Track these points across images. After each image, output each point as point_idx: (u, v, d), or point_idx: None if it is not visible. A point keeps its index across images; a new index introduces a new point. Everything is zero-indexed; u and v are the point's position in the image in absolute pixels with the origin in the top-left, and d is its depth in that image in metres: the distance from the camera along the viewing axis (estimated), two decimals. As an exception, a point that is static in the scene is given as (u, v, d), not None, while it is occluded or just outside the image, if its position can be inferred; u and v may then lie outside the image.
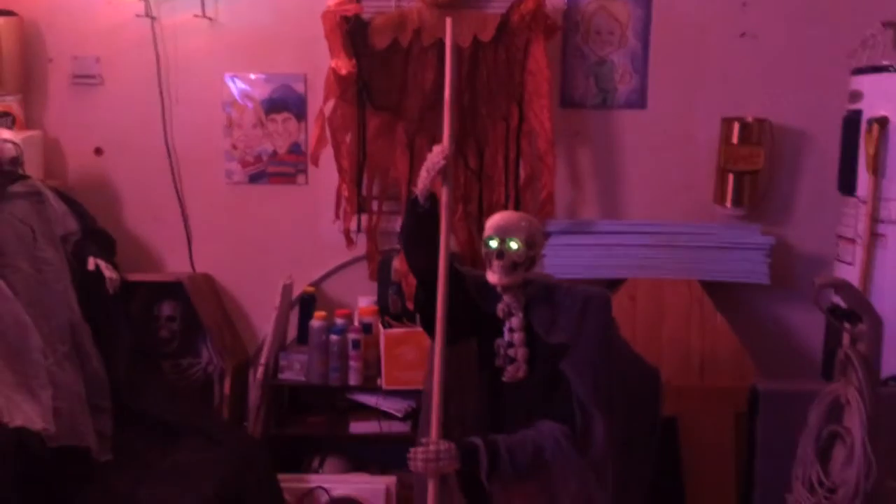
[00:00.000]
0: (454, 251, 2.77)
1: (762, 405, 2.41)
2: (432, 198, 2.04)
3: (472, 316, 2.15)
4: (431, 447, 1.92)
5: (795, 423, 2.14)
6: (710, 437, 2.78)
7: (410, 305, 3.02)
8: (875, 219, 2.46)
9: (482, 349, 2.20)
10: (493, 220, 2.10)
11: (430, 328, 2.14)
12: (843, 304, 2.10)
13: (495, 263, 2.04)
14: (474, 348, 2.24)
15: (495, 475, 1.92)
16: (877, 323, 1.91)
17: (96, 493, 2.40)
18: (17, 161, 2.74)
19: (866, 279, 2.44)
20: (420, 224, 2.06)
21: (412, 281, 3.02)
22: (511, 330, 2.12)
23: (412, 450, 1.94)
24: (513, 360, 2.12)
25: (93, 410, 2.62)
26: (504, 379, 2.13)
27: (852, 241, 2.55)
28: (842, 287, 1.96)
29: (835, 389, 1.98)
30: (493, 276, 2.06)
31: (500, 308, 2.12)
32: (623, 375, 2.17)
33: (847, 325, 1.94)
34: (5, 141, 2.72)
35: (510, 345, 2.12)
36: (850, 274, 2.50)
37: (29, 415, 2.34)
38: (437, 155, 1.99)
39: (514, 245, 2.03)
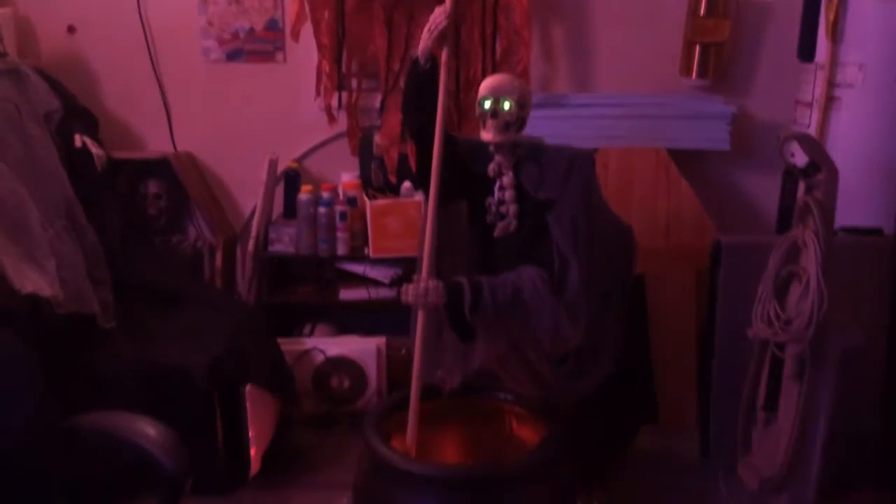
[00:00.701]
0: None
1: (724, 257, 2.62)
2: (432, 59, 2.14)
3: (463, 178, 2.29)
4: (421, 284, 2.10)
5: (754, 273, 2.36)
6: (673, 293, 3.01)
7: (393, 178, 3.15)
8: (831, 83, 2.63)
9: (472, 208, 2.36)
10: (488, 82, 2.21)
11: (425, 187, 2.28)
12: (798, 165, 2.29)
13: (489, 122, 2.17)
14: (464, 209, 2.40)
15: (478, 311, 2.10)
16: (833, 172, 2.11)
17: (107, 357, 2.52)
18: (-4, 37, 2.71)
19: (822, 138, 2.63)
20: (419, 84, 2.17)
21: (394, 155, 3.15)
22: (502, 188, 2.27)
23: (404, 285, 2.13)
24: (503, 217, 2.28)
25: (92, 282, 2.72)
26: (495, 234, 2.30)
27: (809, 105, 2.73)
28: (803, 138, 2.15)
29: (793, 235, 2.20)
30: (487, 135, 2.19)
31: (492, 168, 2.26)
32: (602, 231, 2.37)
33: (806, 176, 2.14)
34: (-18, 16, 2.68)
35: (501, 202, 2.28)
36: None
37: (38, 282, 2.43)
38: (438, 15, 2.08)
39: (506, 105, 2.15)
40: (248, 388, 2.53)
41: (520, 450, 2.26)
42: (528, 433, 2.31)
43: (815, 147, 2.13)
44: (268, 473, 2.66)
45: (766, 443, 2.34)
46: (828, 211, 2.12)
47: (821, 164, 2.10)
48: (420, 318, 2.12)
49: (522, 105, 2.20)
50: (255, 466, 2.60)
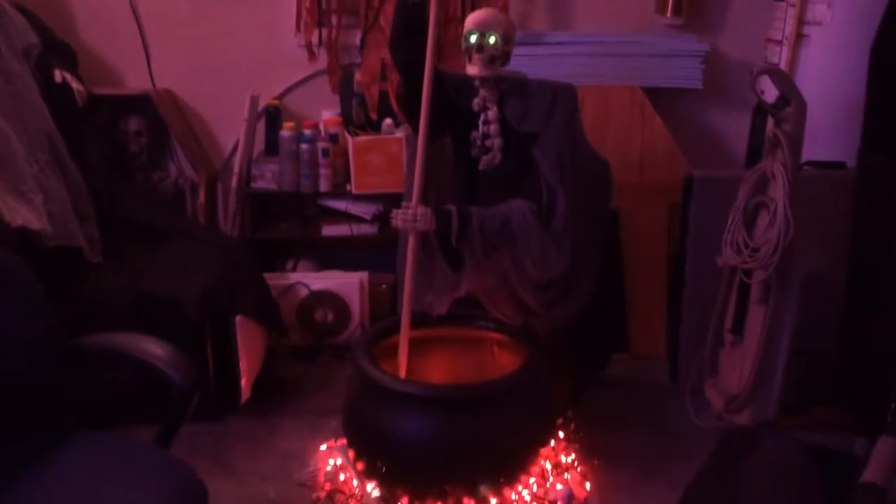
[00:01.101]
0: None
1: (696, 190, 2.74)
2: (420, -4, 2.18)
3: (448, 112, 2.35)
4: (410, 210, 2.17)
5: (723, 205, 2.48)
6: (646, 227, 3.13)
7: (374, 115, 3.19)
8: (801, 21, 2.72)
9: (457, 143, 2.43)
10: (473, 17, 2.26)
11: (415, 120, 2.34)
12: (768, 101, 2.39)
13: (475, 57, 2.23)
14: (449, 143, 2.46)
15: (465, 239, 2.19)
16: (802, 105, 2.21)
17: (97, 289, 2.57)
18: (-30, -32, 2.67)
19: (790, 75, 2.73)
20: (408, 19, 2.21)
21: (374, 92, 3.19)
22: (486, 122, 2.34)
23: (394, 210, 2.20)
24: (488, 150, 2.35)
25: (78, 218, 2.74)
26: (480, 167, 2.37)
27: (779, 42, 2.82)
28: (774, 72, 2.24)
29: (763, 166, 2.31)
30: (472, 69, 2.25)
31: (476, 102, 2.32)
32: (583, 164, 2.45)
33: (775, 110, 2.24)
34: (-44, -54, 2.63)
35: (486, 136, 2.35)
36: (776, 74, 2.79)
37: (27, 216, 2.45)
38: (426, -46, 2.11)
39: (492, 39, 2.21)
40: (237, 318, 2.60)
41: (501, 374, 2.37)
42: (508, 359, 2.43)
43: (785, 80, 2.23)
44: (257, 401, 2.74)
45: (732, 365, 2.49)
46: (796, 143, 2.23)
47: (790, 97, 2.20)
48: (410, 242, 2.20)
49: (507, 40, 2.25)
50: (245, 394, 2.69)
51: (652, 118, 3.15)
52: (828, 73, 2.72)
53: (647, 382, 2.98)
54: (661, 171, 3.16)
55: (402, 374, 2.23)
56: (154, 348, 1.62)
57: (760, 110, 2.54)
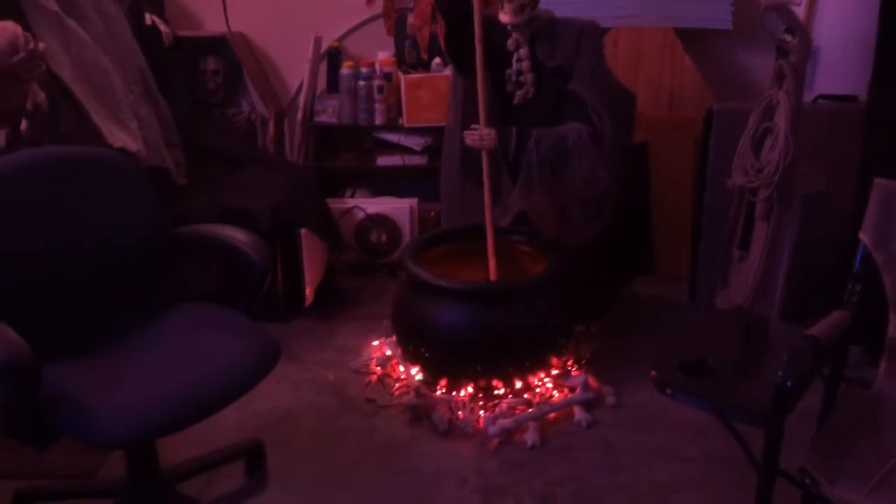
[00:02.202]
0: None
1: (715, 122, 2.97)
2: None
3: (485, 51, 2.65)
4: (477, 131, 2.51)
5: (739, 135, 2.72)
6: (673, 159, 3.37)
7: (425, 55, 3.50)
8: (821, -36, 2.91)
9: (495, 79, 2.73)
10: None
11: (457, 62, 2.65)
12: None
13: (507, 5, 2.52)
14: (488, 79, 2.76)
15: (523, 154, 2.51)
16: (806, 37, 2.43)
17: (184, 205, 2.97)
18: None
19: (810, 14, 2.93)
20: None
21: (425, 34, 3.49)
22: (519, 60, 2.63)
23: (465, 132, 2.55)
24: (522, 85, 2.66)
25: (166, 144, 3.16)
26: (515, 102, 2.68)
27: (802, -16, 3.01)
28: (780, 7, 2.46)
29: (770, 95, 2.55)
30: (504, 17, 2.54)
31: (510, 43, 2.62)
32: (611, 93, 2.73)
33: (784, 41, 2.47)
34: None
35: (519, 72, 2.65)
36: (798, 13, 2.98)
37: (125, 139, 2.86)
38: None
39: None
40: (303, 231, 2.98)
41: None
42: (537, 267, 2.75)
43: (789, 15, 2.45)
44: (318, 307, 3.15)
45: (740, 277, 2.77)
46: (799, 72, 2.46)
47: (794, 30, 2.43)
48: (484, 158, 2.55)
49: None
50: (308, 300, 3.09)
51: (682, 57, 3.38)
52: (843, 13, 2.91)
53: (668, 299, 3.26)
54: (688, 108, 3.39)
55: (493, 276, 2.59)
56: (237, 234, 2.00)
57: (782, 49, 2.76)
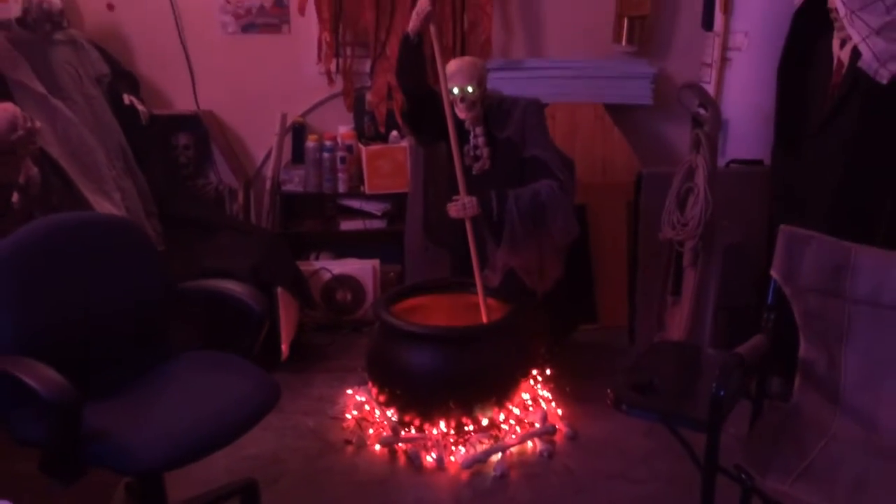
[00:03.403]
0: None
1: (644, 184, 3.38)
2: (419, 35, 2.84)
3: (443, 125, 2.99)
4: (460, 200, 2.83)
5: (666, 196, 3.12)
6: (609, 219, 3.76)
7: (382, 129, 3.85)
8: (725, 47, 3.39)
9: (450, 150, 3.07)
10: (451, 73, 2.87)
11: (417, 133, 3.00)
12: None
13: (460, 105, 2.89)
14: (444, 149, 3.11)
15: (505, 213, 2.82)
16: (717, 111, 2.87)
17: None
18: (62, 13, 3.31)
19: (719, 91, 3.40)
20: (409, 54, 2.88)
21: (382, 110, 3.85)
22: (475, 136, 3.00)
23: (448, 204, 2.85)
24: (479, 158, 3.01)
25: (145, 214, 3.38)
26: (474, 172, 3.02)
27: (710, 65, 3.49)
28: (692, 86, 2.90)
29: (689, 160, 2.97)
30: (461, 113, 2.92)
31: (467, 123, 2.98)
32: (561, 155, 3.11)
33: (699, 114, 2.90)
34: (52, -4, 3.28)
35: (476, 147, 3.01)
36: (709, 90, 3.45)
37: (110, 209, 3.09)
38: (423, 2, 2.77)
39: (470, 89, 2.88)
40: (279, 290, 3.22)
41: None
42: (496, 315, 3.05)
43: (701, 92, 2.90)
44: (293, 361, 3.36)
45: (674, 319, 3.13)
46: (713, 140, 2.89)
47: (707, 105, 2.86)
48: (468, 226, 2.85)
49: (481, 83, 2.92)
50: (284, 355, 3.30)
51: (611, 129, 3.82)
52: (747, 89, 3.37)
53: (610, 344, 3.60)
54: (619, 173, 3.81)
55: (485, 319, 2.87)
56: (237, 286, 2.24)
57: (697, 120, 3.20)
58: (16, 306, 1.89)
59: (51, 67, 3.25)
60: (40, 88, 3.17)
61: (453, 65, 2.94)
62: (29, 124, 2.87)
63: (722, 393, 1.84)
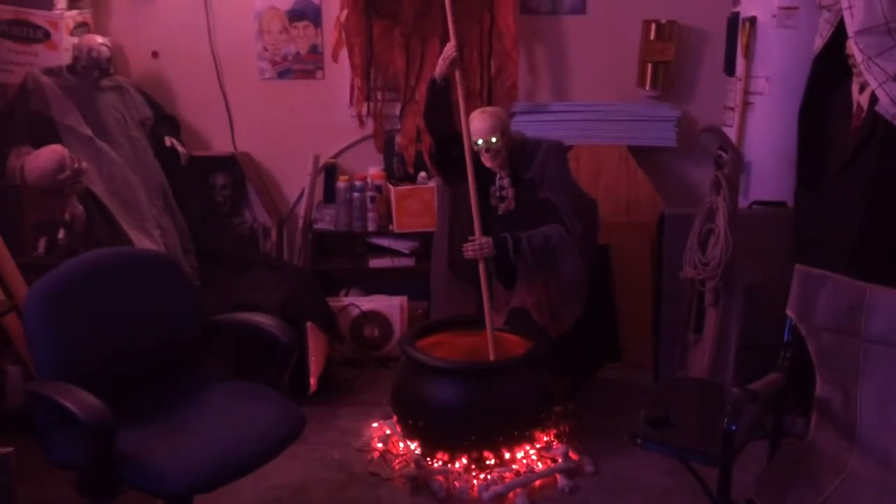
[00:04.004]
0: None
1: (667, 225, 3.43)
2: (446, 80, 2.96)
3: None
4: (476, 241, 2.91)
5: (688, 235, 3.18)
6: (633, 259, 3.80)
7: (410, 170, 3.97)
8: (747, 91, 3.46)
9: (478, 191, 3.17)
10: (475, 126, 2.97)
11: (444, 174, 3.10)
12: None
13: (485, 156, 2.99)
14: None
15: (519, 254, 2.91)
16: (736, 153, 2.93)
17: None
18: (110, 61, 3.51)
19: (741, 134, 3.46)
20: (437, 98, 3.00)
21: (411, 152, 3.97)
22: (501, 178, 3.09)
23: (464, 245, 2.94)
24: (504, 199, 3.10)
25: (182, 250, 3.53)
26: (499, 213, 3.11)
27: (732, 109, 3.56)
28: (714, 130, 2.97)
29: (710, 201, 3.02)
30: (486, 162, 3.02)
31: (493, 167, 3.07)
32: (577, 199, 3.18)
33: (719, 156, 2.96)
34: (102, 44, 3.48)
35: (501, 188, 3.10)
36: (731, 133, 3.51)
37: (150, 246, 3.23)
38: (450, 49, 2.90)
39: (493, 140, 2.98)
40: (308, 325, 3.32)
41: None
42: (520, 350, 3.11)
43: (721, 135, 2.96)
44: (321, 394, 3.44)
45: (696, 358, 3.16)
46: (733, 182, 2.95)
47: (726, 148, 2.93)
48: (481, 267, 2.94)
49: (504, 133, 3.01)
50: (312, 388, 3.39)
51: (635, 171, 3.89)
52: (769, 132, 3.43)
53: (634, 382, 3.61)
54: (643, 213, 3.86)
55: (492, 356, 2.93)
56: (266, 319, 2.35)
57: (718, 162, 3.26)
58: (59, 335, 2.02)
59: (98, 112, 3.44)
60: (87, 131, 3.36)
61: (476, 120, 3.01)
62: (76, 165, 3.04)
63: (733, 427, 1.88)
